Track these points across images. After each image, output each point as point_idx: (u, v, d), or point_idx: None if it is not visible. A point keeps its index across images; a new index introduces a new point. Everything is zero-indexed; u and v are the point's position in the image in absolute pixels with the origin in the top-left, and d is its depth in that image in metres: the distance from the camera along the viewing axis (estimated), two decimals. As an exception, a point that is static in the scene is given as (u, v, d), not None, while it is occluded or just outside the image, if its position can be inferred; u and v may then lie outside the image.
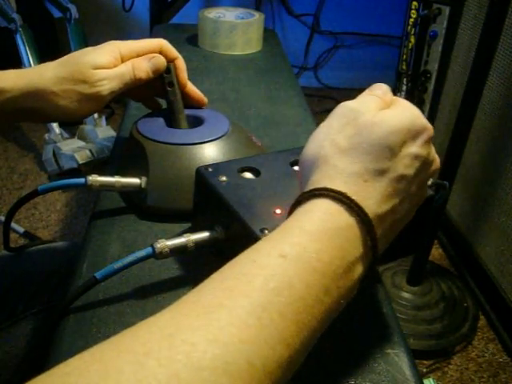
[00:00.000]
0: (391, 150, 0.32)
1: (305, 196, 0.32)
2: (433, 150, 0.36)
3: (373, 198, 0.31)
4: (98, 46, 0.54)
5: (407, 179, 0.33)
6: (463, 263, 1.50)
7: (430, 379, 1.15)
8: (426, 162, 0.34)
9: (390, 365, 0.39)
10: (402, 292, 1.35)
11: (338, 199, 0.31)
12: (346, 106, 0.36)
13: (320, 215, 0.30)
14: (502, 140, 1.27)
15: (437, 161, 0.37)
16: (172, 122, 0.58)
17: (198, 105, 0.61)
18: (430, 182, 0.46)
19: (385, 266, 1.42)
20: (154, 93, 0.62)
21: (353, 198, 0.30)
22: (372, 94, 0.37)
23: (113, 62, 0.53)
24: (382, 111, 0.35)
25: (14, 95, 0.50)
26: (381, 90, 0.37)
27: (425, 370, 1.22)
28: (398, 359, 0.39)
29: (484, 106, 1.31)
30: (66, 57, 0.54)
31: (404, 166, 0.33)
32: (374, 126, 0.33)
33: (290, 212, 0.33)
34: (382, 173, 0.32)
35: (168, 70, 0.57)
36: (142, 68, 0.55)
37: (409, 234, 0.48)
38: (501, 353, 1.28)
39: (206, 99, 0.62)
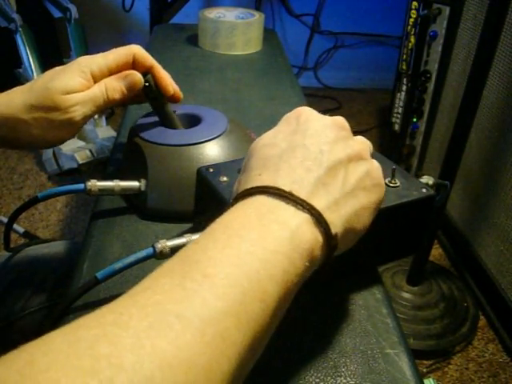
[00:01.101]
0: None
1: (247, 193, 0.32)
2: (350, 134, 0.37)
3: (307, 186, 0.32)
4: (67, 65, 0.51)
5: (324, 153, 0.34)
6: (463, 263, 1.50)
7: (430, 379, 1.15)
8: (342, 139, 0.35)
9: (390, 365, 0.39)
10: (402, 292, 1.35)
11: (281, 195, 0.31)
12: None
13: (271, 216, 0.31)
14: (502, 140, 1.27)
15: (359, 139, 0.38)
16: (166, 126, 0.58)
17: (173, 101, 0.58)
18: (431, 182, 0.46)
19: (385, 266, 1.42)
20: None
21: (294, 193, 0.31)
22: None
23: (84, 83, 0.50)
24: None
25: None
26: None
27: (425, 370, 1.22)
28: (398, 359, 0.39)
29: (484, 106, 1.31)
30: (34, 81, 0.51)
31: (322, 150, 0.34)
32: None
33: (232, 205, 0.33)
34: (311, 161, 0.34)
35: (147, 83, 0.53)
36: (116, 88, 0.51)
37: (410, 234, 0.48)
38: (501, 353, 1.28)
39: (181, 95, 0.57)
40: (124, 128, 0.72)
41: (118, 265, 0.39)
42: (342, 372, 0.39)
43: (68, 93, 0.48)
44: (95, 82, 0.51)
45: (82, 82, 0.49)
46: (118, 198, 0.56)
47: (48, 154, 1.85)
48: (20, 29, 1.74)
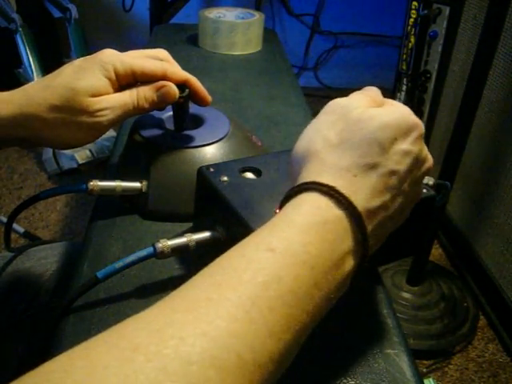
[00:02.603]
0: (380, 145, 0.32)
1: (294, 190, 0.32)
2: (425, 148, 0.36)
3: (362, 192, 0.31)
4: (88, 59, 0.47)
5: (398, 175, 0.33)
6: (463, 263, 1.50)
7: (430, 379, 1.15)
8: (417, 159, 0.34)
9: (390, 365, 0.39)
10: (402, 292, 1.35)
11: (327, 193, 0.31)
12: (336, 103, 0.36)
13: (308, 208, 0.30)
14: (502, 140, 1.27)
15: (430, 158, 0.37)
16: (176, 128, 0.57)
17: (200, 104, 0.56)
18: (431, 182, 0.46)
19: (385, 266, 1.42)
20: None
21: (342, 191, 0.31)
22: (363, 93, 0.37)
23: (110, 84, 0.47)
24: (372, 108, 0.35)
25: (2, 124, 0.45)
26: (372, 91, 0.38)
27: (425, 370, 1.22)
28: (398, 359, 0.39)
29: (484, 106, 1.31)
30: (50, 77, 0.47)
31: (394, 161, 0.33)
32: (363, 122, 0.33)
33: (281, 207, 0.33)
34: (371, 168, 0.32)
35: (181, 98, 0.51)
36: (148, 98, 0.48)
37: (410, 235, 0.48)
38: (501, 353, 1.28)
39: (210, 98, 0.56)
40: (124, 128, 0.72)
41: (119, 264, 0.39)
42: (342, 372, 0.39)
43: (94, 95, 0.46)
44: (119, 82, 0.48)
45: (107, 82, 0.47)
46: (119, 198, 0.56)
47: (48, 153, 1.85)
48: (20, 29, 1.74)
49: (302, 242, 0.29)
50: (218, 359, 0.23)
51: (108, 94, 0.47)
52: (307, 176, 0.33)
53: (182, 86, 0.51)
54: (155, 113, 0.59)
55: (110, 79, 0.47)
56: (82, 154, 1.78)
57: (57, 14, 1.98)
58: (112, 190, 0.51)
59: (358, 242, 0.31)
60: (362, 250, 0.31)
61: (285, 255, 0.28)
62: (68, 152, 1.78)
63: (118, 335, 0.24)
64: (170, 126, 0.57)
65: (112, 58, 0.47)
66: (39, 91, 0.46)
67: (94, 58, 0.47)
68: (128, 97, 0.48)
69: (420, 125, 0.35)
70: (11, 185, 1.83)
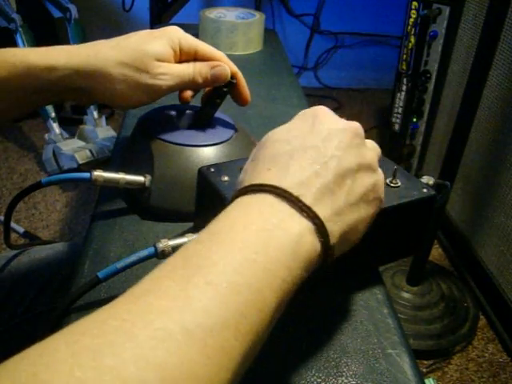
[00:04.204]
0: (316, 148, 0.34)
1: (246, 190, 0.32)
2: (365, 143, 0.37)
3: (294, 177, 0.32)
4: (155, 30, 0.52)
5: (335, 159, 0.33)
6: (463, 263, 1.50)
7: (430, 379, 1.15)
8: (355, 146, 0.35)
9: (391, 365, 0.39)
10: (402, 292, 1.35)
11: (278, 194, 0.31)
12: (306, 110, 0.38)
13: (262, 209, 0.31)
14: (502, 140, 1.27)
15: (372, 144, 0.37)
16: (189, 121, 0.58)
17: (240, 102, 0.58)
18: (431, 182, 0.46)
19: (385, 266, 1.42)
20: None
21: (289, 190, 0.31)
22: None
23: (173, 55, 0.51)
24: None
25: (66, 73, 0.48)
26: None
27: (425, 370, 1.22)
28: (399, 359, 0.39)
29: (484, 106, 1.31)
30: (119, 39, 0.51)
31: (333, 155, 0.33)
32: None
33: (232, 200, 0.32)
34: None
35: (229, 85, 0.54)
36: (203, 73, 0.52)
37: (410, 234, 0.48)
38: (501, 353, 1.28)
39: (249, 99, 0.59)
40: (125, 128, 0.72)
41: (120, 264, 0.39)
42: (343, 372, 0.39)
43: (159, 60, 0.50)
44: (181, 56, 0.52)
45: (171, 53, 0.51)
46: (119, 198, 0.56)
47: (48, 153, 1.85)
48: (20, 29, 1.74)
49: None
50: None
51: (170, 63, 0.51)
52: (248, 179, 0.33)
53: (230, 79, 0.54)
54: (158, 110, 0.60)
55: (174, 51, 0.51)
56: (82, 154, 1.78)
57: (57, 13, 1.98)
58: (116, 181, 0.51)
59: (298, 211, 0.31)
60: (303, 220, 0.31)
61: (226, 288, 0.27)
62: (68, 152, 1.78)
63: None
64: (177, 123, 0.58)
65: (179, 34, 0.52)
66: (108, 48, 0.49)
67: (163, 30, 0.52)
68: (186, 68, 0.52)
69: (353, 126, 0.36)
70: (11, 185, 1.83)
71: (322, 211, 0.31)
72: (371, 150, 0.37)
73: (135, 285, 0.26)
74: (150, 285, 0.26)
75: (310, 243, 0.30)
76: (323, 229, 0.31)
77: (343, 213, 0.32)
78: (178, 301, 0.25)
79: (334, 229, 0.31)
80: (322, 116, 0.36)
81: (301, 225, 0.30)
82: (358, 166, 0.34)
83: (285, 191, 0.31)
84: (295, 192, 0.31)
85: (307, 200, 0.31)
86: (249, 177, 0.33)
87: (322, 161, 0.33)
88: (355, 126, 0.36)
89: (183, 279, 0.26)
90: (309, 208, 0.30)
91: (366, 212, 0.34)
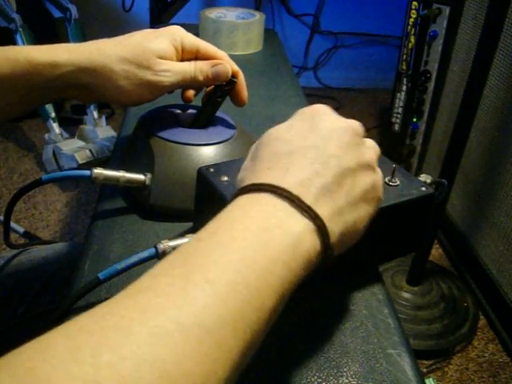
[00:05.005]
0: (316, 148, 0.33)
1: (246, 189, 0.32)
2: (364, 142, 0.36)
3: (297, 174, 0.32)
4: (158, 29, 0.52)
5: (335, 158, 0.33)
6: (463, 263, 1.50)
7: (430, 379, 1.15)
8: (355, 145, 0.34)
9: (391, 365, 0.39)
10: (402, 292, 1.35)
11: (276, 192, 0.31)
12: (304, 109, 0.38)
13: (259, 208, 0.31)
14: (502, 140, 1.27)
15: (371, 143, 0.37)
16: (190, 121, 0.58)
17: (237, 103, 0.58)
18: (429, 181, 0.47)
19: (385, 266, 1.42)
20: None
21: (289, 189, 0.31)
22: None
23: (175, 53, 0.52)
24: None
25: (69, 70, 0.48)
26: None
27: (425, 370, 1.22)
28: (399, 359, 0.39)
29: (484, 106, 1.31)
30: (122, 37, 0.51)
31: (333, 155, 0.33)
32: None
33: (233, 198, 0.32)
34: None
35: (230, 83, 0.55)
36: (204, 71, 0.53)
37: (409, 232, 0.48)
38: (501, 353, 1.28)
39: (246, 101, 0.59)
40: (125, 127, 0.72)
41: (121, 265, 0.39)
42: (344, 372, 0.39)
43: (161, 57, 0.50)
44: (183, 55, 0.53)
45: (173, 51, 0.52)
46: (120, 198, 0.56)
47: (48, 153, 1.85)
48: (20, 29, 1.74)
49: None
50: None
51: (172, 60, 0.52)
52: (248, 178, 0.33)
53: (231, 78, 0.55)
54: (159, 109, 0.60)
55: (176, 49, 0.52)
56: (82, 154, 1.78)
57: (57, 13, 1.98)
58: (116, 179, 0.51)
59: (296, 210, 0.31)
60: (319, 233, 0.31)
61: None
62: (68, 152, 1.78)
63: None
64: (178, 122, 0.58)
65: (181, 33, 0.53)
66: (110, 45, 0.50)
67: (166, 29, 0.53)
68: (187, 66, 0.52)
69: (350, 124, 0.36)
70: (11, 185, 1.83)
71: (323, 211, 0.31)
72: (370, 148, 0.36)
73: (134, 282, 0.26)
74: (149, 282, 0.26)
75: (310, 243, 0.30)
76: (323, 228, 0.30)
77: (343, 212, 0.32)
78: (175, 298, 0.25)
79: (334, 228, 0.31)
80: (322, 114, 0.36)
81: (301, 224, 0.30)
82: (357, 165, 0.34)
83: (285, 191, 0.31)
84: (295, 191, 0.31)
85: (307, 199, 0.31)
86: (249, 176, 0.33)
87: (322, 160, 0.33)
88: (355, 124, 0.36)
89: (182, 277, 0.26)
90: (309, 207, 0.30)
91: (365, 211, 0.34)
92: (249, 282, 0.27)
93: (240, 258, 0.27)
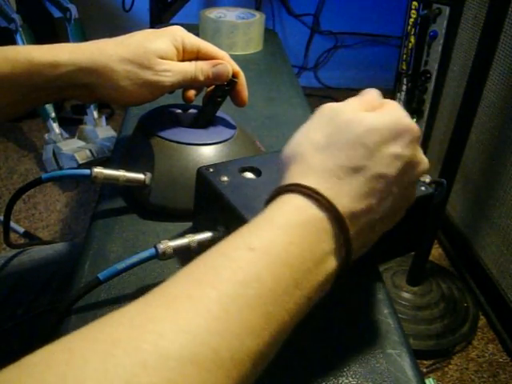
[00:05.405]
0: (367, 148, 0.32)
1: (277, 191, 0.32)
2: (419, 151, 0.35)
3: (346, 195, 0.31)
4: (159, 30, 0.52)
5: (387, 179, 0.32)
6: (463, 263, 1.50)
7: (430, 379, 1.15)
8: (409, 163, 0.34)
9: (391, 365, 0.39)
10: (402, 292, 1.35)
11: (308, 194, 0.31)
12: (327, 106, 0.36)
13: (289, 209, 0.31)
14: (502, 140, 1.27)
15: (425, 162, 0.36)
16: (190, 120, 0.58)
17: (237, 103, 0.59)
18: (427, 180, 0.47)
19: (385, 266, 1.42)
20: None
21: (323, 193, 0.31)
22: (359, 97, 0.37)
23: (176, 54, 0.52)
24: (362, 112, 0.34)
25: (69, 70, 0.48)
26: (370, 94, 0.37)
27: (425, 370, 1.22)
28: (399, 359, 0.39)
29: (484, 107, 1.31)
30: (123, 37, 0.51)
31: (383, 165, 0.32)
32: (351, 125, 0.33)
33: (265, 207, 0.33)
34: (357, 171, 0.32)
35: (231, 83, 0.55)
36: (204, 71, 0.53)
37: (409, 232, 0.48)
38: (501, 353, 1.28)
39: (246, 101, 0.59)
40: (125, 128, 0.72)
41: (121, 265, 0.39)
42: (344, 372, 0.39)
43: (162, 57, 0.50)
44: (184, 55, 0.53)
45: (174, 51, 0.52)
46: (119, 198, 0.56)
47: (48, 153, 1.85)
48: (20, 29, 1.74)
49: (282, 241, 0.29)
50: (196, 355, 0.23)
51: (173, 61, 0.52)
52: (291, 178, 0.33)
53: (231, 78, 0.55)
54: (159, 109, 0.60)
55: (177, 49, 0.52)
56: (82, 154, 1.78)
57: (57, 13, 1.98)
58: (116, 178, 0.51)
59: (341, 244, 0.31)
60: (344, 251, 0.31)
61: (264, 254, 0.28)
62: (68, 152, 1.78)
63: (99, 330, 0.24)
64: (179, 122, 0.58)
65: (182, 33, 0.53)
66: (111, 45, 0.50)
67: (167, 29, 0.53)
68: (188, 66, 0.52)
69: (413, 128, 0.34)
70: (11, 185, 1.83)
71: (355, 243, 0.32)
72: (422, 164, 0.36)
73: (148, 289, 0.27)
74: (187, 293, 0.27)
75: (336, 260, 0.31)
76: (350, 247, 0.31)
77: (374, 228, 0.34)
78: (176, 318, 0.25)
79: (358, 245, 0.33)
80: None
81: (334, 246, 0.31)
82: (409, 183, 0.35)
83: (335, 210, 0.31)
84: (348, 224, 0.31)
85: (351, 229, 0.31)
86: (320, 175, 0.32)
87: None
88: (414, 128, 0.34)
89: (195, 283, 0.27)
90: (348, 238, 0.31)
91: (392, 223, 0.36)
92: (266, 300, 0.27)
93: (265, 274, 0.28)
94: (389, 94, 1.71)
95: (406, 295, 1.35)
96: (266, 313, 0.26)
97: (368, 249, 0.35)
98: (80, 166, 1.77)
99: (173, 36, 0.52)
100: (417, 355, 1.24)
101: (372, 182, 0.32)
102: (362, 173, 0.32)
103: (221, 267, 0.27)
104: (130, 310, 0.25)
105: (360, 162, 0.32)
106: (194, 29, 1.15)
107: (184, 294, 0.26)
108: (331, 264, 0.31)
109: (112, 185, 0.52)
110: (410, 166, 0.34)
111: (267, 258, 0.28)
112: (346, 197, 0.31)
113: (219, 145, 0.55)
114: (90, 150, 1.80)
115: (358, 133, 0.32)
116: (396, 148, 0.33)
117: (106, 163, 0.61)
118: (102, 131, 1.90)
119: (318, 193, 0.31)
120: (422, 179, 0.47)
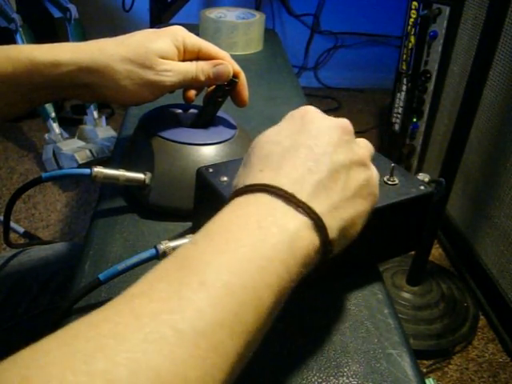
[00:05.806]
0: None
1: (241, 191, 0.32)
2: (356, 141, 0.37)
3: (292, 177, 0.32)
4: (160, 30, 0.52)
5: (327, 155, 0.33)
6: (463, 263, 1.50)
7: (430, 379, 1.15)
8: (346, 142, 0.35)
9: (392, 365, 0.39)
10: (402, 292, 1.35)
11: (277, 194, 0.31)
12: (294, 111, 0.38)
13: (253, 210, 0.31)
14: (502, 140, 1.27)
15: (364, 142, 0.38)
16: (191, 120, 0.58)
17: (238, 103, 0.58)
18: (427, 179, 0.47)
19: (385, 266, 1.42)
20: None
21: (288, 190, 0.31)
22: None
23: (177, 54, 0.52)
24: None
25: (70, 69, 0.48)
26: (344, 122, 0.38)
27: (425, 370, 1.22)
28: (400, 359, 0.39)
29: (484, 106, 1.31)
30: (124, 37, 0.51)
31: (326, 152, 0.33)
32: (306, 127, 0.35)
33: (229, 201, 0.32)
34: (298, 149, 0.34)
35: (232, 83, 0.55)
36: (205, 71, 0.53)
37: (409, 231, 0.48)
38: (501, 353, 1.28)
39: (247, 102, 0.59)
40: (125, 128, 0.72)
41: (121, 266, 0.39)
42: (344, 372, 0.39)
43: (163, 57, 0.50)
44: (185, 55, 0.53)
45: (175, 51, 0.52)
46: (120, 198, 0.56)
47: (48, 153, 1.85)
48: (20, 29, 1.74)
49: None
50: None
51: (174, 60, 0.52)
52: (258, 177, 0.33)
53: (232, 78, 0.55)
54: (160, 109, 0.60)
55: (178, 49, 0.52)
56: (82, 154, 1.78)
57: (57, 13, 1.98)
58: (116, 178, 0.51)
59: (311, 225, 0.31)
60: (314, 225, 0.31)
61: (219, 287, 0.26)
62: (68, 152, 1.78)
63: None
64: (179, 122, 0.58)
65: (183, 33, 0.53)
66: (112, 45, 0.50)
67: (168, 29, 0.53)
68: (189, 66, 0.52)
69: (342, 124, 0.36)
70: (11, 185, 1.83)
71: (318, 206, 0.31)
72: (362, 147, 0.37)
73: (129, 287, 0.26)
74: (144, 287, 0.26)
75: (308, 239, 0.30)
76: (321, 223, 0.30)
77: (340, 207, 0.32)
78: (170, 303, 0.25)
79: (332, 223, 0.31)
80: (310, 115, 0.36)
81: (297, 221, 0.30)
82: (350, 161, 0.34)
83: (279, 189, 0.30)
84: (289, 189, 0.31)
85: (302, 196, 0.31)
86: (242, 180, 0.33)
87: (314, 158, 0.33)
88: (344, 122, 0.36)
89: (176, 281, 0.26)
90: (304, 203, 0.30)
91: (362, 207, 0.34)
92: (245, 282, 0.26)
93: (235, 259, 0.27)
94: (389, 93, 1.71)
95: (406, 295, 1.35)
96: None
97: (353, 238, 0.35)
98: (80, 166, 1.77)
99: (174, 36, 0.52)
100: (417, 355, 1.24)
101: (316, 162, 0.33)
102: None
103: (169, 303, 0.25)
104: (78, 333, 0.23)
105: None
106: (194, 29, 1.15)
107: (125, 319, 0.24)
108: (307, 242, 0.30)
109: (112, 185, 0.52)
110: (349, 146, 0.35)
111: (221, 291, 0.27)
112: (309, 189, 0.32)
113: (219, 145, 0.55)
114: (90, 150, 1.81)
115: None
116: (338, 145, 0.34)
117: (106, 163, 0.61)
118: (102, 131, 1.90)
119: (292, 195, 0.31)
120: (420, 178, 0.47)
